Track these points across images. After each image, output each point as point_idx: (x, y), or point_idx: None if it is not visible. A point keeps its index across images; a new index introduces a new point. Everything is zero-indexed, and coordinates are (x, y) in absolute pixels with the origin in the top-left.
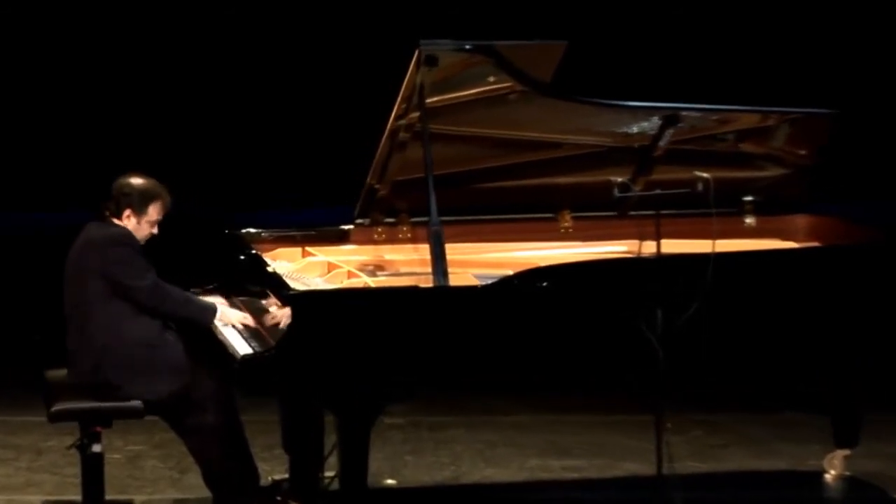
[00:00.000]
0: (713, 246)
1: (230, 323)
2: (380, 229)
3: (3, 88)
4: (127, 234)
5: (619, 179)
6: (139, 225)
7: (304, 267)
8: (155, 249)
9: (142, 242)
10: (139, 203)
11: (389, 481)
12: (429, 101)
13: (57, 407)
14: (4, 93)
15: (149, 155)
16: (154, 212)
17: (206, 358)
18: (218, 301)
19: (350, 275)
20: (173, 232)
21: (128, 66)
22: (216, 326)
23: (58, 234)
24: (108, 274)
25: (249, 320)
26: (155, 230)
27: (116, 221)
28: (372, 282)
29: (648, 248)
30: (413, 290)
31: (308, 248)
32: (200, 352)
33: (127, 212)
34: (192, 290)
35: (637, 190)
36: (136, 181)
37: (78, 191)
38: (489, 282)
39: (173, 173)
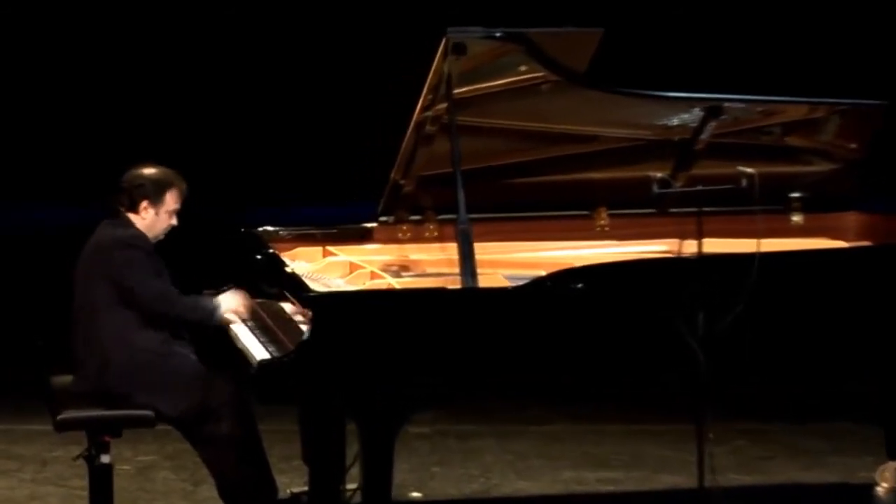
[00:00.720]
0: (758, 245)
1: (233, 310)
2: (405, 227)
3: (11, 80)
4: (137, 237)
5: (659, 175)
6: (158, 216)
7: (325, 267)
8: (165, 249)
9: (162, 235)
10: (154, 193)
11: (415, 494)
12: (456, 91)
13: (63, 415)
14: (12, 84)
15: (154, 148)
16: (171, 200)
17: (221, 364)
18: (225, 296)
19: (373, 275)
20: (185, 230)
21: (133, 56)
22: (232, 331)
23: (67, 231)
24: (115, 278)
25: (248, 304)
26: (174, 221)
27: (132, 217)
28: (396, 283)
29: (689, 247)
30: (440, 292)
31: (329, 248)
32: (215, 357)
33: (144, 203)
34: (204, 291)
35: (677, 186)
36: (148, 171)
37: (81, 185)
38: (520, 283)
39: (183, 169)
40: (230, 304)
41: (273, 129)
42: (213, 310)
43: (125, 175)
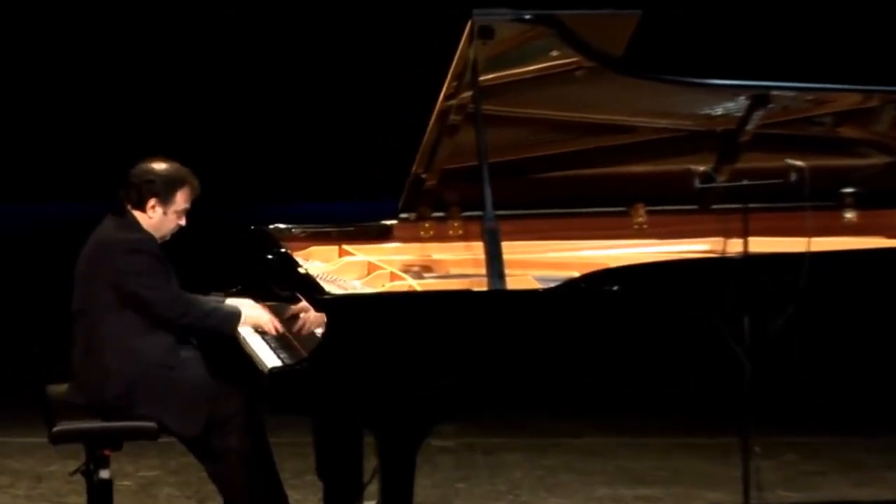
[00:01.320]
0: (808, 244)
1: (257, 327)
2: (427, 225)
3: (9, 71)
4: (144, 241)
5: (701, 168)
6: (166, 216)
7: (341, 268)
8: (170, 248)
9: (168, 236)
10: (164, 191)
11: None
12: (483, 78)
13: (59, 427)
14: (11, 75)
15: (153, 141)
16: (182, 199)
17: (230, 372)
18: (246, 304)
19: (393, 277)
20: (188, 228)
21: (134, 48)
22: (241, 336)
23: (67, 227)
24: (120, 284)
25: (277, 325)
26: (183, 221)
27: (138, 214)
28: (418, 285)
29: (734, 246)
30: (465, 295)
31: (345, 247)
32: (223, 365)
33: (152, 201)
34: (212, 293)
35: (721, 180)
36: (160, 166)
37: (82, 180)
38: (552, 285)
39: (184, 162)
40: (255, 317)
41: (281, 118)
42: (234, 319)
43: (134, 168)
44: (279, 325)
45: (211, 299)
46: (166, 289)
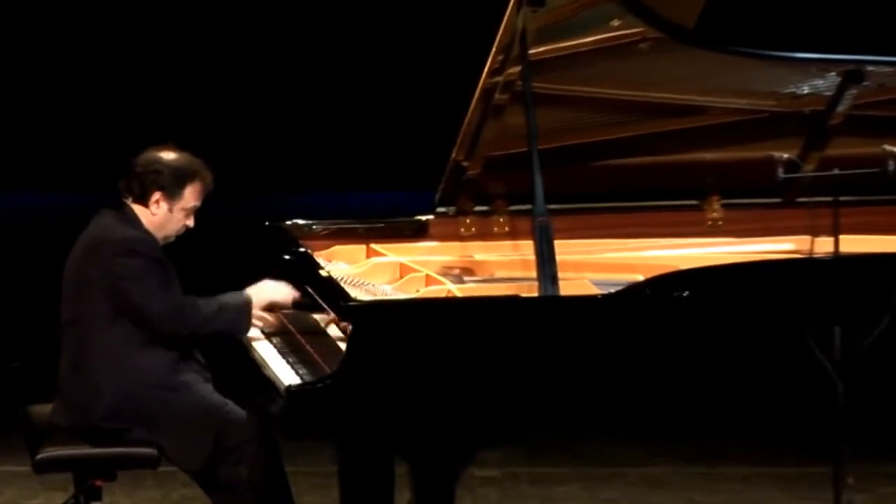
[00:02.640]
0: None
1: (274, 304)
2: (468, 221)
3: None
4: (144, 240)
5: (785, 156)
6: (171, 214)
7: (369, 270)
8: (171, 247)
9: (172, 237)
10: (172, 184)
11: None
12: (533, 52)
13: (44, 453)
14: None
15: (153, 126)
16: (191, 196)
17: (241, 391)
18: (257, 287)
19: (429, 280)
20: (200, 225)
21: (140, 24)
22: (254, 350)
23: (53, 222)
24: (112, 289)
25: (294, 294)
26: (190, 221)
27: (139, 210)
28: (458, 290)
29: (823, 246)
30: (512, 302)
31: (374, 246)
32: (233, 383)
33: (156, 195)
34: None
35: (808, 169)
36: (169, 156)
37: (75, 167)
38: (612, 290)
39: (192, 145)
40: (266, 294)
41: (296, 92)
42: (244, 310)
43: (140, 156)
44: (296, 294)
45: (212, 298)
46: (165, 299)
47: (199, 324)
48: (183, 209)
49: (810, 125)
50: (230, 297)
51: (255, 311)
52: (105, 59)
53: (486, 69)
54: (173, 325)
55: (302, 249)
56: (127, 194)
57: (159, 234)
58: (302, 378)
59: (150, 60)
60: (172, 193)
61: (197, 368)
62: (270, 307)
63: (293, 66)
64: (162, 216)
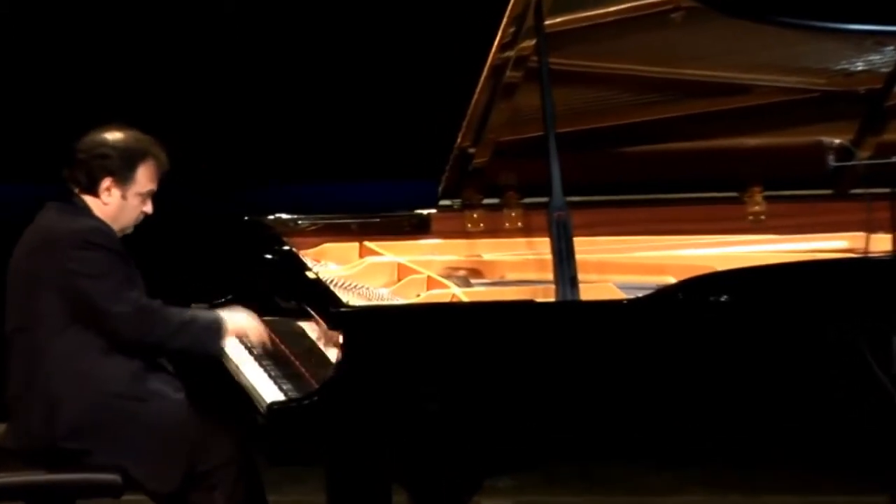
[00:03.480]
0: None
1: (240, 331)
2: (475, 215)
3: None
4: (100, 231)
5: (837, 142)
6: (125, 200)
7: (363, 271)
8: (136, 246)
9: (130, 227)
10: (122, 167)
11: None
12: (549, 22)
13: None
14: None
15: (118, 108)
16: (145, 178)
17: (217, 407)
18: (233, 314)
19: (431, 283)
20: (162, 220)
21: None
22: (232, 361)
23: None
24: (69, 289)
25: (264, 337)
26: (147, 207)
27: (90, 200)
28: (463, 294)
29: (880, 243)
30: (526, 307)
31: (368, 244)
32: (208, 398)
33: (106, 182)
34: (192, 306)
35: (863, 157)
36: (115, 136)
37: (14, 155)
38: (640, 294)
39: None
40: (239, 322)
41: (280, 74)
42: (215, 330)
43: (81, 141)
44: (266, 338)
45: (182, 308)
46: (129, 299)
47: (166, 333)
48: (138, 194)
49: (866, 106)
50: (200, 314)
51: (232, 334)
52: (55, 34)
53: (495, 43)
54: (137, 330)
55: (286, 248)
56: (74, 185)
57: (115, 226)
58: (286, 394)
59: (107, 33)
60: (124, 178)
61: (166, 379)
62: (242, 332)
63: (272, 42)
64: (115, 205)
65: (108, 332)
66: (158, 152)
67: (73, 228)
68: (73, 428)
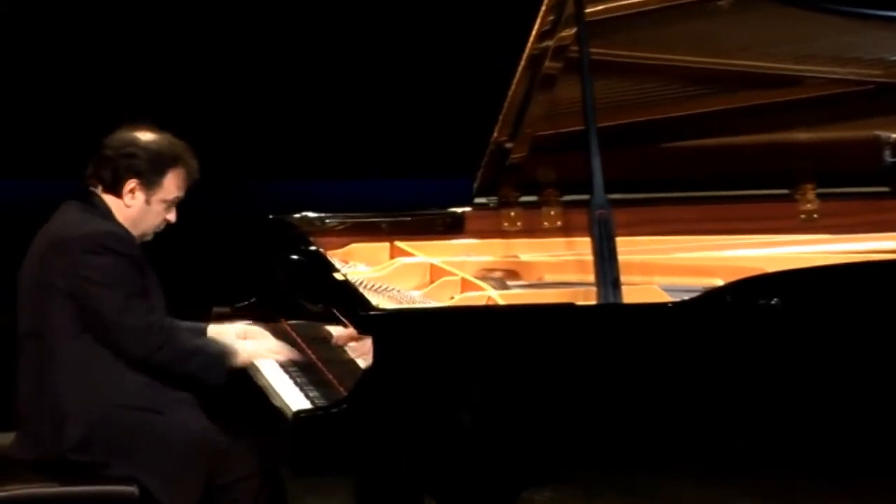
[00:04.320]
0: None
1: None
2: (512, 213)
3: None
4: (117, 236)
5: (894, 136)
6: (149, 206)
7: (394, 272)
8: (152, 245)
9: (150, 234)
10: (150, 170)
11: None
12: (590, 10)
13: (2, 492)
14: None
15: (138, 99)
16: (172, 185)
17: (238, 418)
18: (254, 335)
19: (465, 285)
20: (186, 219)
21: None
22: (255, 367)
23: (7, 215)
24: (80, 295)
25: (286, 354)
26: (171, 216)
27: (111, 201)
28: (500, 297)
29: None
30: (566, 311)
31: (399, 244)
32: (229, 407)
33: (131, 184)
34: (215, 309)
35: None
36: (146, 137)
37: (33, 151)
38: (686, 297)
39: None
40: (256, 353)
41: (307, 63)
42: (222, 364)
43: (111, 137)
44: (288, 354)
45: (198, 328)
46: (139, 311)
47: (171, 358)
48: (163, 201)
49: None
50: (211, 342)
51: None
52: (74, 27)
53: (533, 32)
54: (141, 347)
55: (313, 248)
56: (96, 182)
57: (135, 231)
58: (313, 402)
59: (130, 27)
60: (150, 181)
61: (185, 388)
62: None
63: (300, 33)
64: (138, 208)
65: (112, 343)
66: (190, 159)
67: (88, 231)
68: (82, 440)
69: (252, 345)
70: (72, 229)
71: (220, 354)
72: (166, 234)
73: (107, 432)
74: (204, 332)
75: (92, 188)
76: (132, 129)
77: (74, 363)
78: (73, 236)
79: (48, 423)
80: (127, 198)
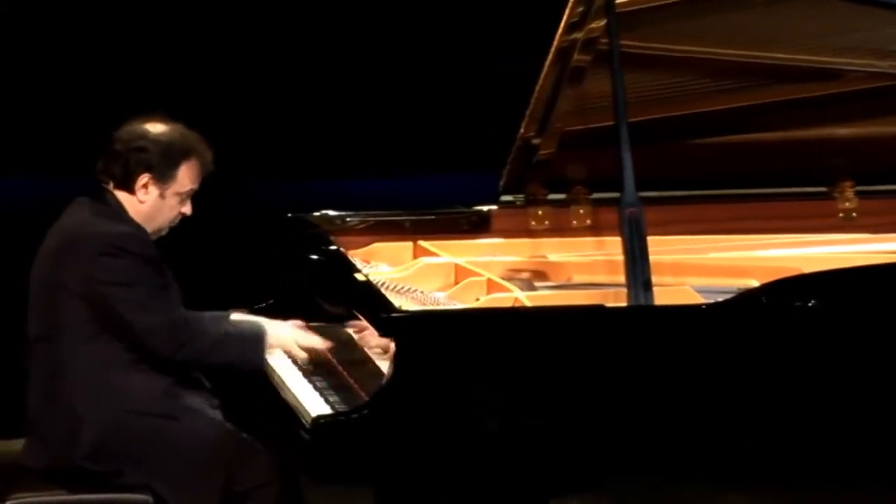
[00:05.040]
0: None
1: (291, 351)
2: (540, 212)
3: None
4: (133, 237)
5: None
6: (163, 200)
7: (417, 273)
8: (168, 245)
9: (166, 229)
10: (163, 163)
11: None
12: (621, 0)
13: (13, 500)
14: None
15: (151, 91)
16: (186, 177)
17: (255, 423)
18: (276, 324)
19: (492, 286)
20: (202, 217)
21: None
22: (273, 371)
23: (16, 214)
24: (94, 298)
25: (319, 345)
26: (186, 209)
27: (123, 197)
28: (527, 298)
29: None
30: (596, 313)
31: (423, 243)
32: (245, 412)
33: (144, 178)
34: (232, 311)
35: None
36: (157, 129)
37: (50, 148)
38: (720, 299)
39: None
40: (282, 337)
41: (326, 55)
42: (256, 346)
43: (121, 130)
44: (318, 347)
45: (221, 316)
46: (159, 309)
47: (201, 349)
48: (177, 194)
49: None
50: (239, 325)
51: (277, 346)
52: (83, 23)
53: (562, 23)
54: (168, 345)
55: (333, 248)
56: (107, 178)
57: (150, 227)
58: (333, 407)
59: (143, 16)
60: (163, 175)
61: (201, 393)
62: (287, 347)
63: (318, 24)
64: (151, 204)
65: (135, 345)
66: (204, 151)
67: (102, 231)
68: (95, 448)
69: (286, 332)
70: (85, 229)
71: (252, 335)
72: (183, 234)
73: (121, 439)
74: (227, 318)
75: (103, 185)
76: (142, 121)
77: (88, 368)
78: (86, 236)
79: (60, 430)
80: (140, 193)
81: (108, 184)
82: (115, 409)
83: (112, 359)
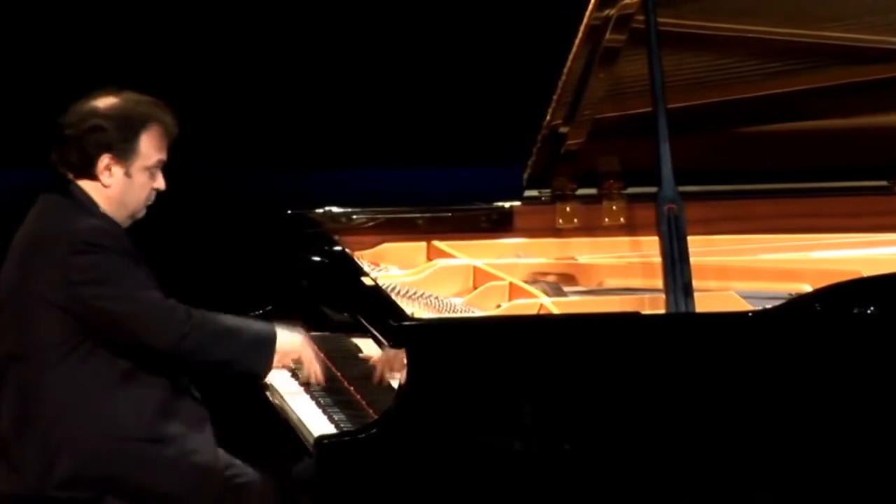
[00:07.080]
0: None
1: (290, 365)
2: (568, 209)
3: None
4: (103, 230)
5: None
6: (130, 179)
7: (431, 277)
8: (149, 244)
9: (141, 211)
10: (120, 139)
11: None
12: None
13: None
14: None
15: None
16: (150, 147)
17: (253, 443)
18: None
19: (514, 291)
20: (184, 212)
21: None
22: (271, 387)
23: None
24: (74, 305)
25: (318, 373)
26: (159, 182)
27: (87, 186)
28: (553, 304)
29: None
30: (630, 321)
31: (437, 244)
32: (242, 432)
33: (104, 160)
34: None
35: None
36: (107, 102)
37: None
38: (769, 305)
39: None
40: (292, 344)
41: (332, 35)
42: (266, 345)
43: (68, 114)
44: (320, 374)
45: (230, 316)
46: (148, 296)
47: (206, 338)
48: (144, 168)
49: None
50: (247, 322)
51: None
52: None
53: (592, 1)
54: (170, 332)
55: (338, 248)
56: (65, 169)
57: (124, 213)
58: (338, 426)
59: (143, 8)
60: (124, 151)
61: (191, 411)
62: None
63: (327, 12)
64: (119, 186)
65: (126, 354)
66: (162, 115)
67: (68, 229)
68: (72, 477)
69: (290, 339)
70: (50, 229)
71: (265, 334)
72: (170, 229)
73: (101, 466)
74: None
75: (64, 176)
76: (89, 99)
77: (66, 388)
78: (52, 237)
79: (35, 456)
80: (104, 177)
81: (68, 175)
82: (98, 433)
83: (94, 377)
